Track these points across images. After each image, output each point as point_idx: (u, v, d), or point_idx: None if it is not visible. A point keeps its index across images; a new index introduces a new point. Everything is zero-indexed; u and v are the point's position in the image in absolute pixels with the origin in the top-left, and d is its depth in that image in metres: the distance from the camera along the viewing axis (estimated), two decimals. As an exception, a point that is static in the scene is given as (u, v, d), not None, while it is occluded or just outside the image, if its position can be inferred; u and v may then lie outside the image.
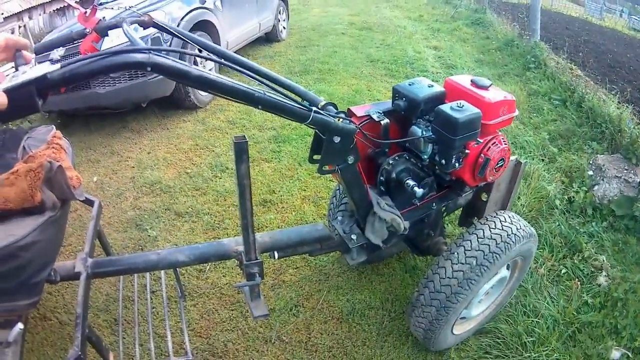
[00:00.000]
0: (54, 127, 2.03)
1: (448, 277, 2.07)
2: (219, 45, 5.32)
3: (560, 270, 3.04)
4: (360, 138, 1.95)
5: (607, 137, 4.33)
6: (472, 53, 6.88)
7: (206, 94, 5.40)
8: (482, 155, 2.04)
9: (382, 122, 2.05)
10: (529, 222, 3.26)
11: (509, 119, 2.16)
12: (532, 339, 2.56)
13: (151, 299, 2.49)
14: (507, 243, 2.09)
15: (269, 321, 2.70)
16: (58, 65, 1.20)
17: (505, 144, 2.12)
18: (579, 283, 2.97)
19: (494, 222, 2.16)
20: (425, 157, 2.09)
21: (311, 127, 1.70)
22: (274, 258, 2.09)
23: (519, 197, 3.56)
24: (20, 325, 1.56)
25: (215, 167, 4.17)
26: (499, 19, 9.02)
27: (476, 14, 9.72)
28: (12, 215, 1.58)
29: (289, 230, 2.19)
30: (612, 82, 5.18)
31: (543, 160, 4.20)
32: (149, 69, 1.26)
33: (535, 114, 5.03)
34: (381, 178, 2.14)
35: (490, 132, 2.09)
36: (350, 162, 1.89)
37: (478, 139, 2.02)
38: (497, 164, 2.10)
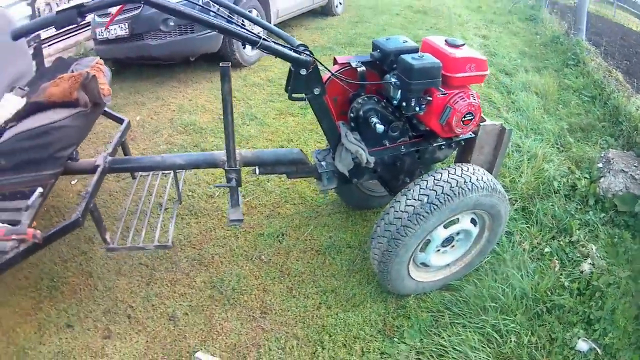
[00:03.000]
0: (99, 57, 2.52)
1: (401, 211, 2.26)
2: (269, 13, 5.66)
3: (544, 249, 3.12)
4: (338, 81, 2.32)
5: (624, 135, 4.34)
6: (518, 45, 6.93)
7: (252, 54, 5.74)
8: (447, 105, 2.24)
9: (358, 69, 2.37)
10: (524, 199, 3.41)
11: (477, 76, 2.33)
12: (495, 305, 2.67)
13: (155, 201, 2.90)
14: (462, 189, 2.24)
15: (254, 241, 3.04)
16: None
17: (474, 99, 2.30)
18: (557, 262, 3.02)
19: (455, 169, 2.33)
20: (395, 102, 2.32)
21: (265, 52, 2.05)
22: (256, 173, 2.48)
23: (520, 175, 3.65)
24: (40, 189, 2.03)
25: (246, 116, 4.53)
26: (551, 16, 8.95)
27: (532, 10, 9.67)
28: (54, 107, 2.21)
29: (269, 150, 2.57)
30: None
31: (557, 147, 4.25)
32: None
33: (562, 106, 5.05)
34: (351, 115, 2.41)
35: (455, 85, 2.29)
36: (316, 94, 2.21)
37: (443, 90, 2.23)
38: (465, 116, 2.28)
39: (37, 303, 2.58)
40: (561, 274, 2.93)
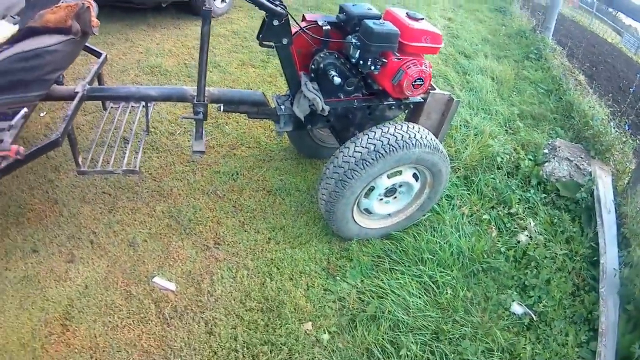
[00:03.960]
0: None
1: (349, 156, 2.50)
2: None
3: (483, 216, 3.36)
4: (304, 36, 2.58)
5: (574, 129, 4.59)
6: (482, 32, 7.10)
7: (221, 6, 5.85)
8: (400, 68, 2.49)
9: (324, 27, 2.63)
10: (467, 169, 3.66)
11: (432, 47, 2.60)
12: (432, 258, 2.92)
13: (124, 130, 3.06)
14: (407, 143, 2.49)
15: (210, 178, 3.26)
16: None
17: (427, 67, 2.55)
18: (494, 228, 3.27)
19: (401, 125, 2.57)
20: (353, 60, 2.56)
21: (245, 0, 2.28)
22: (220, 110, 2.69)
23: (465, 147, 3.91)
24: (25, 110, 2.18)
25: (210, 63, 4.65)
26: (521, 12, 9.16)
27: (503, 3, 9.84)
28: (49, 32, 2.38)
29: (235, 90, 2.81)
30: (616, 101, 5.32)
31: (506, 129, 4.52)
32: None
33: (516, 94, 5.27)
34: (312, 67, 2.65)
35: (410, 52, 2.54)
36: (284, 43, 2.46)
37: (398, 55, 2.48)
38: (415, 81, 2.53)
39: (3, 229, 2.68)
40: (498, 241, 3.18)
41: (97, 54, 3.02)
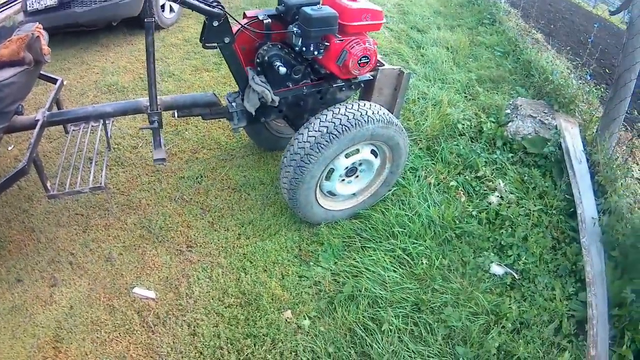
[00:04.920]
0: (38, 22, 2.77)
1: (303, 141, 2.54)
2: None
3: (450, 183, 3.40)
4: (246, 32, 2.63)
5: (535, 86, 4.62)
6: (433, 5, 7.02)
7: (170, 16, 5.90)
8: (344, 49, 2.53)
9: (264, 21, 2.66)
10: (429, 140, 3.71)
11: (374, 24, 2.64)
12: (403, 231, 2.96)
13: (88, 150, 3.07)
14: (359, 121, 2.54)
15: (176, 184, 3.30)
16: None
17: (370, 45, 2.59)
18: (462, 193, 3.31)
19: (353, 105, 2.62)
20: (297, 48, 2.59)
21: (183, 7, 2.35)
22: (175, 117, 2.75)
23: (425, 119, 3.96)
24: None
25: (164, 73, 4.72)
26: None
27: None
28: (4, 67, 2.44)
29: (186, 95, 2.85)
30: (577, 55, 5.32)
31: (465, 96, 4.56)
32: None
33: (472, 60, 5.34)
34: (257, 60, 2.68)
35: (351, 32, 2.58)
36: (227, 42, 2.50)
37: (340, 37, 2.52)
38: (360, 59, 2.57)
39: None
40: (468, 205, 3.22)
41: (54, 80, 3.08)
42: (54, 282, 2.63)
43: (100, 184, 2.69)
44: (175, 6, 5.95)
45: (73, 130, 3.11)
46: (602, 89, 4.32)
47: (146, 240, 2.89)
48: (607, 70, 5.69)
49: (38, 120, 2.57)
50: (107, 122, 2.98)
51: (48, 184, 2.60)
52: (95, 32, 5.49)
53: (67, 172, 2.94)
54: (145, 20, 2.30)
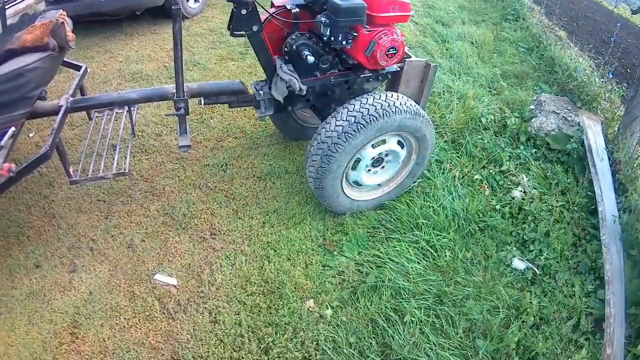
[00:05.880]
0: (62, 9, 2.77)
1: (331, 130, 2.53)
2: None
3: (474, 176, 3.37)
4: (274, 21, 2.61)
5: (558, 82, 4.58)
6: (458, 0, 7.11)
7: (195, 6, 5.88)
8: (372, 40, 2.51)
9: (292, 11, 2.65)
10: (454, 132, 3.68)
11: (402, 16, 2.61)
12: (428, 222, 2.94)
13: (111, 137, 3.09)
14: (386, 111, 2.52)
15: (200, 171, 3.29)
16: None
17: (398, 36, 2.56)
18: (487, 187, 3.28)
19: (380, 95, 2.60)
20: (325, 38, 2.57)
21: None
22: (201, 104, 2.75)
23: (450, 112, 3.92)
24: (13, 129, 2.23)
25: (189, 62, 4.72)
26: None
27: None
28: (27, 52, 2.45)
29: (213, 82, 2.83)
30: (599, 53, 5.21)
31: (489, 90, 4.52)
32: None
33: (497, 55, 5.31)
34: (285, 49, 2.67)
35: (380, 23, 2.55)
36: (255, 30, 2.50)
37: (368, 27, 2.50)
38: (388, 50, 2.55)
39: (6, 250, 2.72)
40: (492, 199, 3.19)
41: (77, 67, 3.08)
42: (74, 268, 2.64)
43: (124, 170, 2.70)
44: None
45: (96, 117, 3.12)
46: (623, 88, 4.26)
47: (169, 227, 2.89)
48: (628, 70, 5.62)
49: (61, 106, 2.57)
50: (132, 108, 2.99)
51: (71, 170, 2.61)
52: (119, 21, 5.51)
53: (89, 159, 2.94)
54: (173, 7, 2.30)
